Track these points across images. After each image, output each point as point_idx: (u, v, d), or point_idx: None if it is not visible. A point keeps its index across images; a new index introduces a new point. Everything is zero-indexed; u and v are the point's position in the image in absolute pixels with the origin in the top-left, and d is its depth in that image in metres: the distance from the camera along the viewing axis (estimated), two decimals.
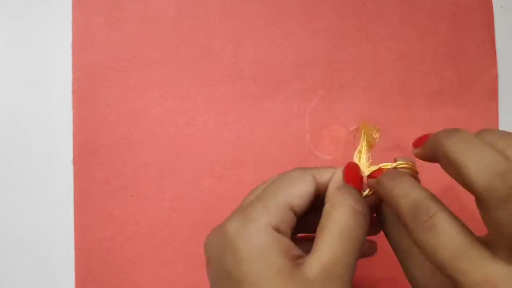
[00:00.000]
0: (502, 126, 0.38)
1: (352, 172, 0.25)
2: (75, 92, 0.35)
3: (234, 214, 0.24)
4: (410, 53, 0.38)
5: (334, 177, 0.25)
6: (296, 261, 0.22)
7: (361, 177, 0.25)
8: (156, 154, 0.35)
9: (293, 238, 0.24)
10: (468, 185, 0.19)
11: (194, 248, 0.35)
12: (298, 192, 0.23)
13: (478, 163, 0.19)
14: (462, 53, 0.38)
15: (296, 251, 0.22)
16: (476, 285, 0.19)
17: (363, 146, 0.27)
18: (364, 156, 0.27)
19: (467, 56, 0.38)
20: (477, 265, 0.19)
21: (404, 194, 0.22)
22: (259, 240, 0.21)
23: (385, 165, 0.25)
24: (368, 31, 0.38)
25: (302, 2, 0.37)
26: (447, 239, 0.20)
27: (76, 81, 0.35)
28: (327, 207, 0.23)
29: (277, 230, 0.22)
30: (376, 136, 0.27)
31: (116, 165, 0.35)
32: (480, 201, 0.19)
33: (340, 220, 0.22)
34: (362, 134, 0.27)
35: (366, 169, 0.26)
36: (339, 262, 0.21)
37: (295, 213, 0.24)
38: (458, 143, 0.20)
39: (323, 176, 0.25)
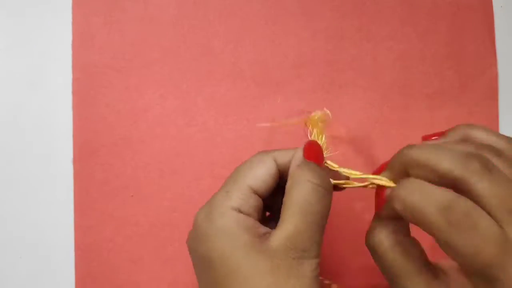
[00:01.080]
0: (502, 126, 0.38)
1: (312, 148, 0.26)
2: (75, 92, 0.35)
3: (203, 206, 0.25)
4: (410, 53, 0.38)
5: (295, 156, 0.25)
6: (262, 237, 0.23)
7: (321, 151, 0.26)
8: (156, 154, 0.35)
9: (263, 218, 0.25)
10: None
11: None
12: (259, 174, 0.24)
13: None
14: (462, 53, 0.38)
15: (262, 229, 0.23)
16: None
17: (316, 135, 0.28)
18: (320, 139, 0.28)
19: (467, 56, 0.38)
20: None
21: (427, 197, 0.21)
22: (222, 222, 0.23)
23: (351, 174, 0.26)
24: (368, 31, 0.38)
25: (302, 2, 0.37)
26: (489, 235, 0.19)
27: (76, 81, 0.35)
28: (288, 184, 0.24)
29: (239, 211, 0.23)
30: (323, 122, 0.29)
31: (116, 165, 0.35)
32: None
33: (300, 196, 0.23)
34: (312, 129, 0.29)
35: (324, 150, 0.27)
36: (301, 234, 0.22)
37: (259, 195, 0.24)
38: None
39: (285, 157, 0.25)
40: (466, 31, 0.38)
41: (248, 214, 0.24)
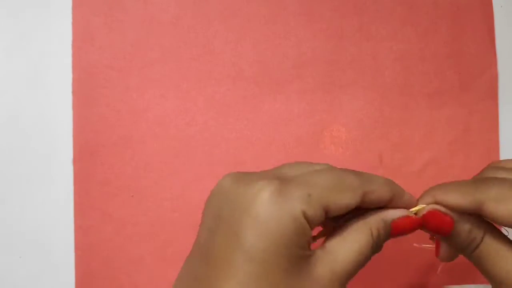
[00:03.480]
0: (502, 126, 0.38)
1: (406, 228, 0.24)
2: (75, 92, 0.35)
3: (269, 174, 0.22)
4: (410, 53, 0.38)
5: (390, 212, 0.24)
6: (307, 251, 0.21)
7: (408, 231, 0.25)
8: (156, 154, 0.35)
9: None
10: None
11: None
12: (341, 202, 0.22)
13: None
14: (462, 53, 0.38)
15: (310, 239, 0.22)
16: None
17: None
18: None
19: (467, 56, 0.38)
20: None
21: None
22: (288, 219, 0.20)
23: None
24: (368, 31, 0.38)
25: (302, 2, 0.37)
26: None
27: (76, 81, 0.35)
28: (362, 221, 0.24)
29: (306, 217, 0.21)
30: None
31: (116, 165, 0.35)
32: None
33: (364, 243, 0.23)
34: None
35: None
36: (347, 273, 0.22)
37: (326, 215, 0.23)
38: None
39: (375, 198, 0.24)
40: (466, 31, 0.38)
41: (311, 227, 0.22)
